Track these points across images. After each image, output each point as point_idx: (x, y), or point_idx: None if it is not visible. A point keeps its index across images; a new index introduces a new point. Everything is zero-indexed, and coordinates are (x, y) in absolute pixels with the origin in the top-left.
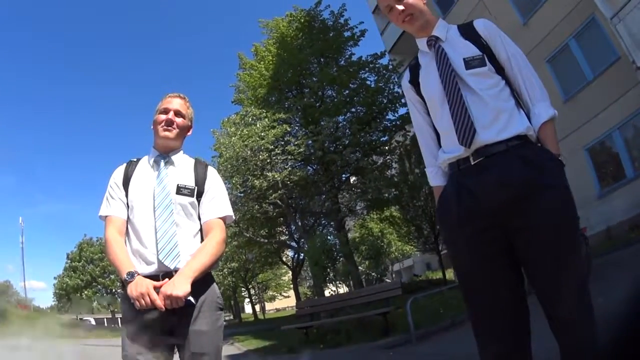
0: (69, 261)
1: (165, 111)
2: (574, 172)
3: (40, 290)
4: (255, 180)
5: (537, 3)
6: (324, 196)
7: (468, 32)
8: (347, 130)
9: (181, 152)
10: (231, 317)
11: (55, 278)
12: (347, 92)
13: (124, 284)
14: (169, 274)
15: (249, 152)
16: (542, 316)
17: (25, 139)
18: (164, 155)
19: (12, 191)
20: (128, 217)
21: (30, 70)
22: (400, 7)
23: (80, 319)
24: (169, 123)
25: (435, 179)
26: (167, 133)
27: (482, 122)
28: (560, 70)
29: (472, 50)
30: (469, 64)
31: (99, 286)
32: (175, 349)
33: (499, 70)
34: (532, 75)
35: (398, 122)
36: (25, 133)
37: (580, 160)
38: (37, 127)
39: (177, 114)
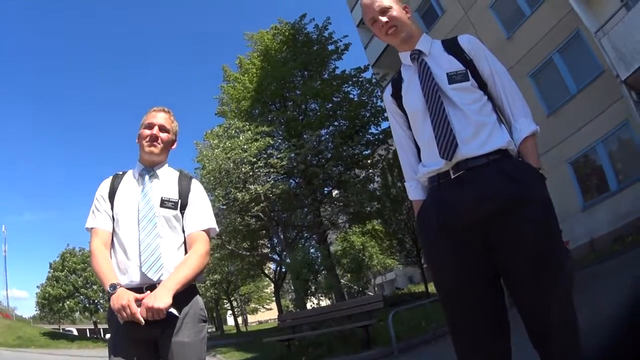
0: (52, 271)
1: (150, 126)
2: (557, 185)
3: (23, 299)
4: (237, 193)
5: (521, 17)
6: (306, 209)
7: (452, 47)
8: (330, 144)
9: (166, 165)
10: (213, 329)
11: (37, 287)
12: (330, 105)
13: (108, 296)
14: (152, 286)
15: (231, 164)
16: (522, 330)
17: (9, 147)
18: (149, 169)
19: None
20: (113, 230)
21: (17, 81)
22: (384, 19)
23: (63, 329)
24: (154, 138)
25: (415, 193)
26: (152, 149)
27: (464, 136)
28: (544, 85)
29: (456, 65)
30: (452, 78)
31: (81, 296)
32: None
33: (482, 85)
34: (514, 91)
35: (381, 136)
36: (10, 141)
37: (563, 173)
38: (23, 136)
39: (162, 128)
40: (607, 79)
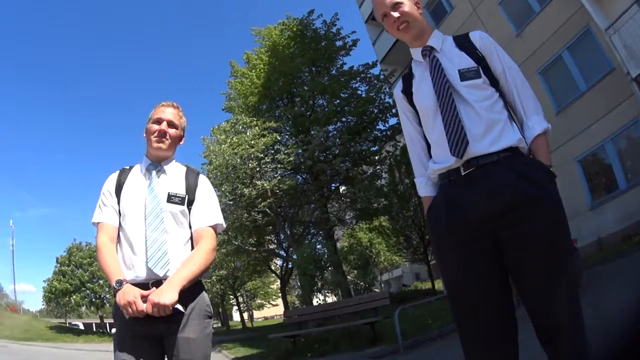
0: (58, 265)
1: (159, 121)
2: (566, 183)
3: (30, 293)
4: (244, 189)
5: (531, 14)
6: (313, 205)
7: (464, 43)
8: (337, 140)
9: (173, 160)
10: (219, 325)
11: (44, 281)
12: (337, 101)
13: (114, 292)
14: (158, 281)
15: (238, 160)
16: (530, 327)
17: (17, 142)
18: (156, 164)
19: (3, 194)
20: (120, 225)
21: (24, 75)
22: (396, 15)
23: (69, 323)
24: (162, 134)
25: (425, 189)
26: (160, 144)
27: (475, 133)
28: (553, 82)
29: (468, 62)
30: (464, 75)
31: (87, 291)
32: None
33: (494, 82)
34: (526, 88)
35: (388, 132)
36: (17, 136)
37: (571, 171)
38: (29, 130)
39: (170, 124)
40: (618, 77)
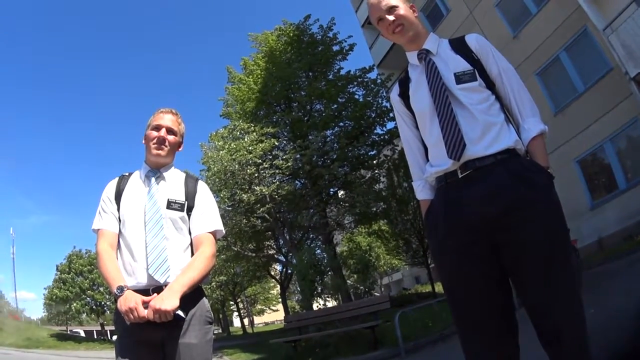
0: (59, 273)
1: (157, 128)
2: (565, 184)
3: (31, 300)
4: (243, 194)
5: (527, 16)
6: (312, 210)
7: (459, 46)
8: (335, 145)
9: (172, 167)
10: (220, 331)
11: (45, 289)
12: (335, 106)
13: (115, 298)
14: (159, 288)
15: (236, 166)
16: (530, 328)
17: (16, 148)
18: (155, 170)
19: (3, 201)
20: (120, 231)
21: (24, 80)
22: (391, 18)
23: (70, 330)
24: (161, 141)
25: (422, 192)
26: (159, 151)
27: (472, 136)
28: (551, 83)
29: (463, 65)
30: (460, 78)
31: (88, 298)
32: None
33: (490, 85)
34: (522, 90)
35: (386, 137)
36: (17, 142)
37: (571, 172)
38: (28, 136)
39: (169, 131)
40: (616, 77)
